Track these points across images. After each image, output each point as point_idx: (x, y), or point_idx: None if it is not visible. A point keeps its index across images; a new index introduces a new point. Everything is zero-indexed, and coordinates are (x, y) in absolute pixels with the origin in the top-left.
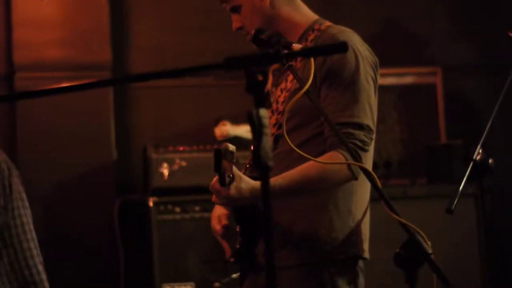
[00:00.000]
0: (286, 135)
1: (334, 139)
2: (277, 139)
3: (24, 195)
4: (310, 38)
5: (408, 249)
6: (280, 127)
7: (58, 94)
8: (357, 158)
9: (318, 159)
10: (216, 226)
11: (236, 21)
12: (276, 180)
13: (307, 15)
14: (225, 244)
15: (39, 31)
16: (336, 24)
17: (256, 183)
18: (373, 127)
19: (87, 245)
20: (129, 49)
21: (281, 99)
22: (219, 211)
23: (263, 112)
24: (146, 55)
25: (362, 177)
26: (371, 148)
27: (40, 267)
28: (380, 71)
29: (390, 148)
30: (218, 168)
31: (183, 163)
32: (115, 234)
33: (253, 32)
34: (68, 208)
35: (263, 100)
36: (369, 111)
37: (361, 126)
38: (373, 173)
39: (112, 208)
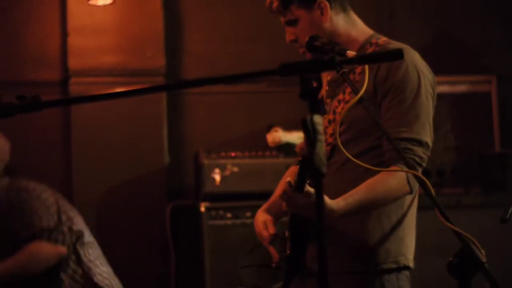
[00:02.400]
0: (340, 145)
1: (392, 154)
2: (333, 148)
3: (71, 214)
4: (369, 52)
5: (462, 257)
6: (337, 137)
7: (112, 99)
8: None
9: (377, 170)
10: (263, 232)
11: (290, 33)
12: (345, 199)
13: (363, 30)
14: (272, 250)
15: (94, 37)
16: (392, 35)
17: (326, 198)
18: (431, 144)
19: (139, 249)
20: (183, 55)
21: (338, 110)
22: (263, 217)
23: (317, 119)
24: (199, 62)
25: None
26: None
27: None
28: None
29: (444, 156)
30: (303, 175)
31: (235, 169)
32: (167, 239)
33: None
34: (120, 213)
35: (317, 106)
36: (428, 128)
37: (420, 143)
38: (427, 181)
39: (164, 213)
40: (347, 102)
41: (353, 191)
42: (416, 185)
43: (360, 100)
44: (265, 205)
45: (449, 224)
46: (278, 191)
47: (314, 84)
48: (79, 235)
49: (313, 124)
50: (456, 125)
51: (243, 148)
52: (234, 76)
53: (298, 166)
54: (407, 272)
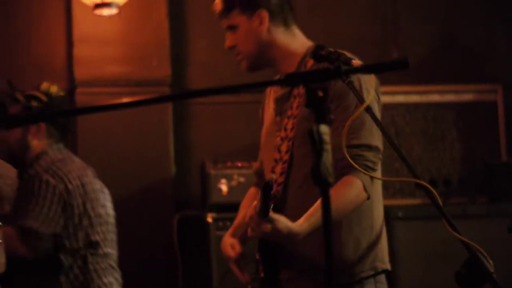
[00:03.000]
0: (345, 151)
1: (344, 162)
2: (290, 166)
3: (102, 211)
4: (309, 64)
5: (470, 267)
6: (292, 154)
7: (118, 110)
8: (370, 178)
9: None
10: (231, 252)
11: (230, 39)
12: (308, 219)
13: (303, 42)
14: (236, 270)
15: (99, 47)
16: (396, 43)
17: (289, 223)
18: (381, 147)
19: (146, 260)
20: (188, 65)
21: (289, 126)
22: (230, 240)
23: (324, 129)
24: (204, 72)
25: (375, 191)
26: (379, 167)
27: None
28: (440, 87)
29: (450, 165)
30: (267, 201)
31: (242, 179)
32: (174, 249)
33: (243, 53)
34: (127, 223)
35: (323, 116)
36: (375, 132)
37: (369, 147)
38: (435, 191)
39: (171, 223)
40: (296, 117)
41: (313, 209)
42: (372, 190)
43: (367, 108)
44: (230, 229)
45: (456, 234)
46: (242, 212)
47: (320, 94)
48: (93, 246)
49: (319, 134)
50: (462, 134)
51: (249, 158)
52: (240, 85)
53: (260, 191)
54: (383, 276)
